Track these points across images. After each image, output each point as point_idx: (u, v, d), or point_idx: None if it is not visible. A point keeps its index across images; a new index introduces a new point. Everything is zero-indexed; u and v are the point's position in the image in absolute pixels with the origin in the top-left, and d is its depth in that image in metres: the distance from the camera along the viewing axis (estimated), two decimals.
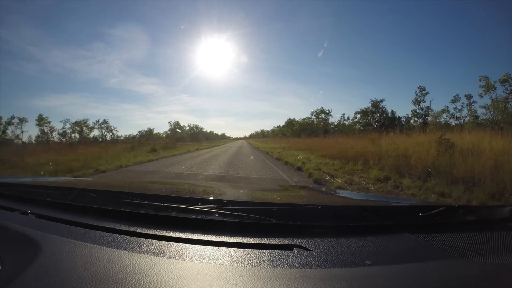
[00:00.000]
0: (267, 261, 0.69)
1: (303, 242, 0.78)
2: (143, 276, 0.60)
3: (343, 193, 2.03)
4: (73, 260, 0.68)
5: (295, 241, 0.78)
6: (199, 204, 0.93)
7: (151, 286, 0.57)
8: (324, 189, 1.85)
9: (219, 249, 0.74)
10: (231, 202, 0.95)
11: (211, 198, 1.05)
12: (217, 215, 0.87)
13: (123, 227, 0.86)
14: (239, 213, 0.87)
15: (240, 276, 0.61)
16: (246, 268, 0.65)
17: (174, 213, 0.90)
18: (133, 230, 0.84)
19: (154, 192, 1.33)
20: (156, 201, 0.97)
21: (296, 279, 0.60)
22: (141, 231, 0.84)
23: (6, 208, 1.07)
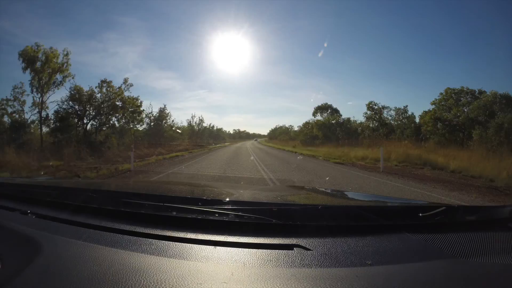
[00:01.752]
0: (267, 260, 0.69)
1: (303, 242, 0.78)
2: (143, 275, 0.60)
3: (343, 193, 2.03)
4: (73, 260, 0.68)
5: (295, 241, 0.78)
6: (199, 204, 0.93)
7: (151, 286, 0.57)
8: (324, 189, 1.85)
9: (219, 248, 0.74)
10: (231, 202, 0.95)
11: (211, 198, 1.05)
12: (217, 215, 0.87)
13: (123, 227, 0.86)
14: (239, 213, 0.87)
15: (241, 275, 0.61)
16: (246, 268, 0.65)
17: (174, 213, 0.90)
18: (133, 230, 0.84)
19: (154, 192, 1.33)
20: (156, 201, 0.97)
21: (296, 279, 0.60)
22: (141, 231, 0.84)
23: (6, 208, 1.07)
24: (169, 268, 0.64)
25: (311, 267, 0.66)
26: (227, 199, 1.01)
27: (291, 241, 0.79)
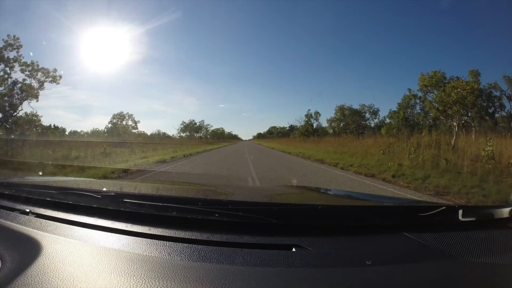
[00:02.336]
0: (267, 260, 0.69)
1: (303, 242, 0.78)
2: (143, 275, 0.60)
3: (343, 193, 2.03)
4: (73, 259, 0.68)
5: (295, 241, 0.78)
6: (199, 204, 0.93)
7: (151, 285, 0.57)
8: (324, 189, 1.85)
9: (219, 248, 0.74)
10: (231, 202, 0.95)
11: (211, 198, 1.05)
12: (217, 215, 0.87)
13: (123, 227, 0.86)
14: (239, 213, 0.87)
15: (241, 275, 0.61)
16: (246, 268, 0.65)
17: (174, 213, 0.90)
18: (134, 230, 0.84)
19: (154, 192, 1.32)
20: (156, 201, 0.97)
21: (296, 279, 0.60)
22: (142, 231, 0.84)
23: (6, 208, 1.07)
24: (169, 268, 0.64)
25: (311, 267, 0.66)
26: (227, 199, 1.01)
27: (291, 241, 0.79)
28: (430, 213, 0.92)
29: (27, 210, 1.02)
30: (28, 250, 0.71)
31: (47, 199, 1.11)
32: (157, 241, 0.78)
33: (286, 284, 0.58)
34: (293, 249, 0.75)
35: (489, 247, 0.80)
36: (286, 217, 0.87)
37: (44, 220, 0.95)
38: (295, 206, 1.07)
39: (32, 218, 0.98)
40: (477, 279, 0.67)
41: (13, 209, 1.05)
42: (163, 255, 0.72)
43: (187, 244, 0.77)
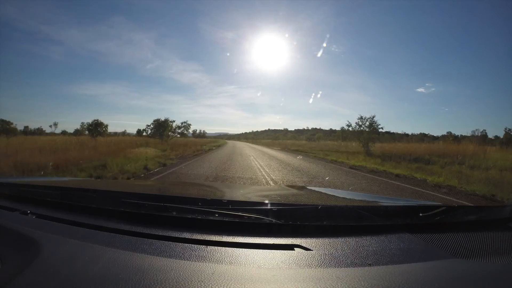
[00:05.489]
0: (268, 261, 0.69)
1: (303, 242, 0.78)
2: (143, 276, 0.60)
3: (343, 193, 2.03)
4: (73, 260, 0.68)
5: (295, 241, 0.78)
6: (199, 204, 0.93)
7: (151, 286, 0.57)
8: (324, 189, 1.85)
9: (219, 248, 0.74)
10: (231, 202, 0.95)
11: (211, 198, 1.05)
12: (217, 215, 0.87)
13: (123, 227, 0.86)
14: (239, 213, 0.87)
15: (241, 275, 0.61)
16: (246, 268, 0.65)
17: (174, 213, 0.90)
18: (133, 230, 0.84)
19: (154, 192, 1.33)
20: (156, 201, 0.97)
21: (296, 279, 0.60)
22: (141, 231, 0.84)
23: (6, 208, 1.07)
24: (169, 269, 0.64)
25: (311, 267, 0.66)
26: (227, 199, 1.00)
27: (291, 241, 0.79)
28: (430, 213, 0.92)
29: (27, 211, 1.02)
30: (28, 251, 0.71)
31: (47, 199, 1.11)
32: (157, 241, 0.78)
33: (286, 284, 0.58)
34: (294, 249, 0.75)
35: (489, 247, 0.80)
36: (286, 217, 0.87)
37: (44, 220, 0.95)
38: (295, 206, 1.07)
39: (32, 218, 0.98)
40: (477, 279, 0.67)
41: (13, 210, 1.05)
42: (163, 255, 0.72)
43: (187, 245, 0.77)
